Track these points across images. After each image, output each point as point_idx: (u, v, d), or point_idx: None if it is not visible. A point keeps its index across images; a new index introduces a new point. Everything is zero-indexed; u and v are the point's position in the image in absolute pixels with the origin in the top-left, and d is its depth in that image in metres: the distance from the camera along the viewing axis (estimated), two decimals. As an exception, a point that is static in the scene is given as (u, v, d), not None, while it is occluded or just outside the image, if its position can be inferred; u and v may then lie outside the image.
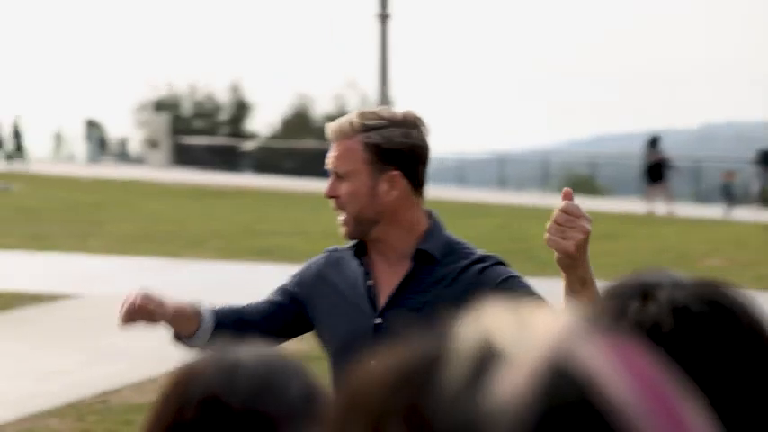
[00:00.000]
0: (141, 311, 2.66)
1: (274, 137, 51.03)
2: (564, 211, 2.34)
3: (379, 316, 2.70)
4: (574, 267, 2.35)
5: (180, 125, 50.16)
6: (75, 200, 24.51)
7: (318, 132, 46.79)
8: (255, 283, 8.04)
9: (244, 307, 2.87)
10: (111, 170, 37.36)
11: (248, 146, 49.31)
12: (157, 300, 2.67)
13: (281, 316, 2.83)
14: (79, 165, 43.06)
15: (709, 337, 1.18)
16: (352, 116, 2.72)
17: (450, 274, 2.68)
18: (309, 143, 45.01)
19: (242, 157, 48.48)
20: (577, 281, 2.37)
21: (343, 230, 2.74)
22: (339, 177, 2.71)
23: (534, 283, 11.02)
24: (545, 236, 2.35)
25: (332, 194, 2.72)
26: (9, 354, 9.16)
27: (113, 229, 18.42)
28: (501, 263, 2.72)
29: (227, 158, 46.81)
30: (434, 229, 2.75)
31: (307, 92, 48.51)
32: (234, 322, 2.81)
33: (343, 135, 2.69)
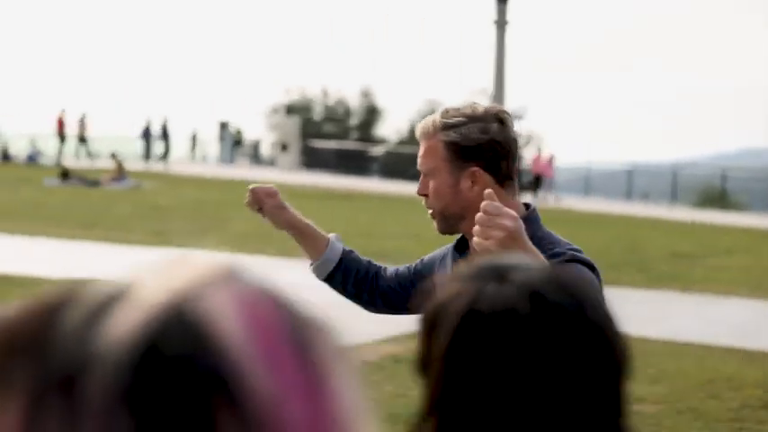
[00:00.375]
0: (262, 199, 3.10)
1: (402, 142, 51.32)
2: (484, 211, 2.31)
3: None
4: None
5: (311, 129, 50.87)
6: (203, 199, 25.08)
7: (448, 139, 46.77)
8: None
9: (374, 264, 3.13)
10: (242, 171, 38.05)
11: (376, 151, 49.68)
12: (281, 203, 3.11)
13: (401, 287, 3.04)
14: (212, 165, 44.00)
15: (557, 324, 1.24)
16: (436, 115, 2.81)
17: None
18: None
19: (370, 162, 48.89)
20: None
21: (435, 227, 2.84)
22: (426, 176, 2.80)
23: (646, 294, 11.04)
24: (473, 239, 2.34)
25: (422, 192, 2.82)
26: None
27: (234, 228, 18.80)
28: (575, 260, 2.63)
29: (355, 163, 47.28)
30: (529, 221, 2.68)
31: (436, 98, 48.67)
32: (357, 272, 3.08)
33: (427, 134, 2.77)
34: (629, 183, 39.33)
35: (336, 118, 54.06)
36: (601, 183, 43.36)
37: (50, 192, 25.65)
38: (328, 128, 53.09)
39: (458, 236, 2.90)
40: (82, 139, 38.39)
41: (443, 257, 2.98)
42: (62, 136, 37.06)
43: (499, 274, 1.27)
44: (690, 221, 28.00)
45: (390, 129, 56.78)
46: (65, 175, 28.54)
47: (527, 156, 35.68)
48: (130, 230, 18.08)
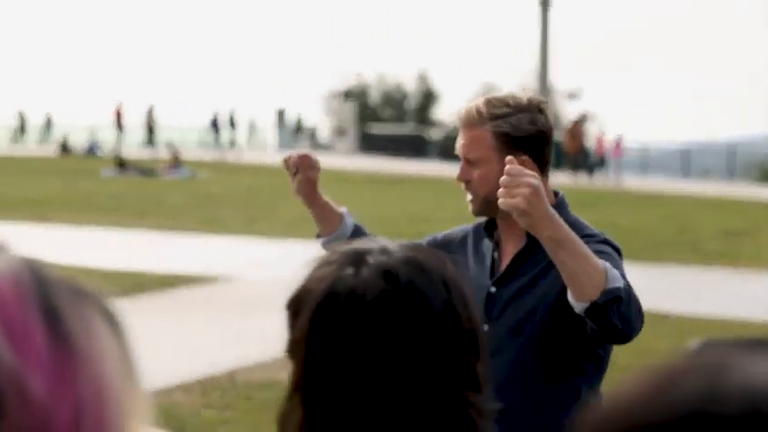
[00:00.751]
0: (303, 164, 3.09)
1: (461, 125, 51.25)
2: (507, 173, 2.44)
3: (493, 285, 2.84)
4: (537, 228, 2.44)
5: (368, 113, 50.95)
6: (256, 186, 25.30)
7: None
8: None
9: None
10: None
11: (434, 134, 49.64)
12: (315, 177, 3.10)
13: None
14: (270, 152, 44.28)
15: (409, 303, 1.30)
16: (479, 104, 2.81)
17: None
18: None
19: (427, 146, 48.88)
20: (550, 242, 2.45)
21: (471, 208, 2.86)
22: (470, 163, 2.82)
23: (696, 272, 11.01)
24: (498, 201, 2.46)
25: (463, 178, 2.84)
26: (156, 330, 9.63)
27: (284, 214, 18.98)
28: (605, 242, 2.75)
29: (412, 147, 47.29)
30: (557, 207, 2.76)
31: (492, 81, 48.47)
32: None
33: (473, 123, 2.79)
34: (687, 161, 38.98)
35: (393, 102, 54.12)
36: (658, 162, 42.99)
37: (107, 182, 26.04)
38: (385, 112, 53.21)
39: (485, 219, 2.95)
40: (150, 130, 38.82)
41: (464, 238, 3.00)
42: (120, 127, 37.55)
43: (358, 257, 1.32)
44: (744, 199, 27.72)
45: (447, 112, 56.54)
46: (121, 165, 28.94)
47: (591, 136, 34.88)
48: (181, 219, 18.33)
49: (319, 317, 1.29)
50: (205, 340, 9.15)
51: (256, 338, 9.31)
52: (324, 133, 49.77)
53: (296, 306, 1.33)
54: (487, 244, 2.92)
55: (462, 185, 2.87)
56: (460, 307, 1.32)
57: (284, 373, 6.67)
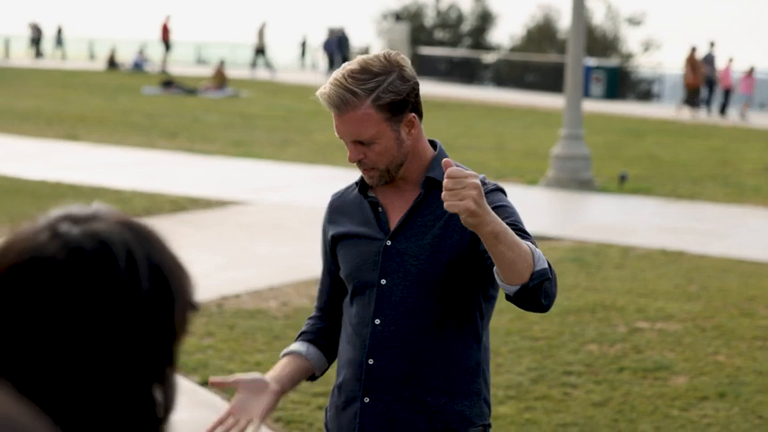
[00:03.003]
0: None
1: (516, 49, 50.65)
2: (450, 176, 2.46)
3: (389, 239, 2.84)
4: (481, 225, 2.48)
5: (422, 35, 50.49)
6: (295, 108, 25.24)
7: (562, 46, 46.19)
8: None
9: (319, 314, 3.06)
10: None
11: (489, 58, 49.15)
12: (258, 408, 2.83)
13: (342, 294, 3.02)
14: (320, 73, 44.15)
15: (83, 269, 1.25)
16: (346, 83, 2.73)
17: None
18: (552, 57, 44.56)
19: (482, 70, 48.43)
20: (490, 236, 2.50)
21: (372, 181, 2.83)
22: (364, 144, 2.78)
23: (724, 208, 10.93)
24: (445, 205, 2.49)
25: (356, 159, 2.80)
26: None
27: (317, 138, 18.95)
28: (496, 189, 2.84)
29: (466, 71, 46.88)
30: (440, 156, 2.85)
31: (551, 3, 47.59)
32: (326, 331, 3.04)
33: (351, 105, 2.73)
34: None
35: (448, 24, 53.51)
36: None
37: (147, 100, 26.09)
38: (440, 34, 52.66)
39: (342, 192, 2.96)
40: (260, 51, 38.55)
41: (339, 210, 2.97)
42: (167, 43, 37.49)
43: (51, 225, 1.29)
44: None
45: (504, 35, 55.94)
46: (165, 83, 28.97)
47: (719, 67, 32.62)
48: (212, 141, 18.34)
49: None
50: (203, 265, 9.16)
51: (255, 264, 9.31)
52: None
53: None
54: (363, 203, 2.92)
55: (357, 164, 2.82)
56: (145, 283, 1.26)
57: (273, 303, 6.74)
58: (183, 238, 10.30)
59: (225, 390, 6.16)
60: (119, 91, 27.84)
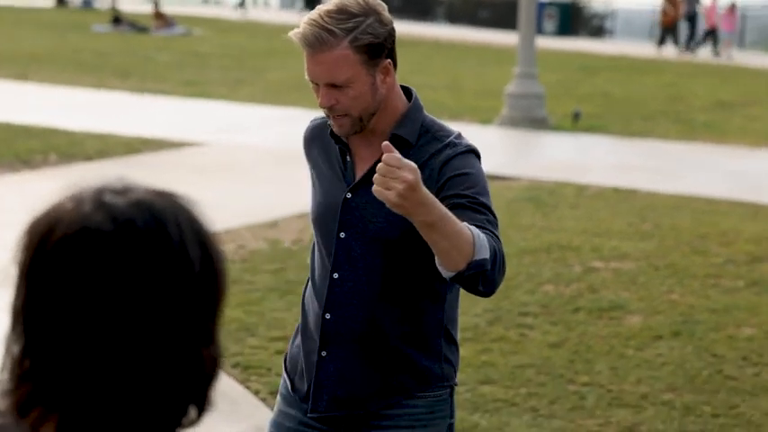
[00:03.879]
0: None
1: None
2: (386, 162, 2.41)
3: (349, 191, 2.78)
4: (409, 215, 2.45)
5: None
6: (248, 46, 25.01)
7: (514, -18, 46.10)
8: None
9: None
10: (299, 16, 37.76)
11: (441, -6, 48.85)
12: None
13: None
14: (273, 11, 43.75)
15: (132, 241, 1.25)
16: (323, 23, 2.63)
17: (423, 158, 2.71)
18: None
19: (435, 6, 48.17)
20: (422, 225, 2.47)
21: (342, 130, 2.73)
22: (335, 86, 2.67)
23: (675, 145, 11.01)
24: (373, 188, 2.45)
25: (331, 104, 2.68)
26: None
27: (270, 78, 18.80)
28: (467, 151, 2.73)
29: (419, 7, 46.59)
30: (413, 110, 2.77)
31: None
32: None
33: (328, 45, 2.62)
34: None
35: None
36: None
37: (97, 38, 25.73)
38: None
39: (321, 123, 2.86)
40: None
41: (311, 139, 2.90)
42: (116, -20, 36.83)
43: (96, 197, 1.28)
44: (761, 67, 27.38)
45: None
46: (116, 20, 28.58)
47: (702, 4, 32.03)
48: (165, 80, 18.14)
49: (45, 250, 1.26)
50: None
51: (211, 208, 9.22)
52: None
53: (29, 237, 1.29)
54: (335, 148, 2.83)
55: (326, 110, 2.71)
56: (195, 251, 1.27)
57: (229, 246, 6.65)
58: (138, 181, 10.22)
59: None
60: (68, 29, 27.42)
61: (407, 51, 26.57)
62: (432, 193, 2.52)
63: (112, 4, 33.82)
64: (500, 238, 2.61)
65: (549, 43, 30.18)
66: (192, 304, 1.27)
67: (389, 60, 2.71)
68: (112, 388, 1.24)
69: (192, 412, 1.29)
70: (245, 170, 10.92)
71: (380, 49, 2.68)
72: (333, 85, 2.66)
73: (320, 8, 2.68)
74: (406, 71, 19.21)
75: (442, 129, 2.79)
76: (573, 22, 40.11)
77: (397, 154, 2.43)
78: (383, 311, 2.77)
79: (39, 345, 1.26)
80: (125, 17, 29.43)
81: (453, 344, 2.86)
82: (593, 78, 22.26)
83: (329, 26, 2.62)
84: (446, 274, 2.53)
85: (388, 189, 2.40)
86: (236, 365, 5.70)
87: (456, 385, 2.91)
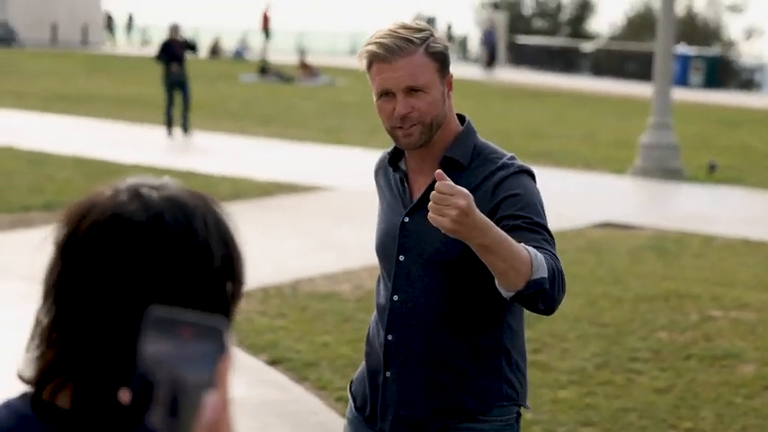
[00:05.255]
0: None
1: (615, 38, 50.12)
2: (438, 190, 2.48)
3: (407, 215, 2.87)
4: (465, 239, 2.51)
5: (520, 24, 50.27)
6: (389, 96, 25.35)
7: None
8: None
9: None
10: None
11: (587, 47, 48.69)
12: None
13: None
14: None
15: (162, 232, 1.36)
16: (401, 33, 2.76)
17: (476, 180, 2.79)
18: (651, 46, 43.93)
19: (580, 59, 48.02)
20: (479, 247, 2.52)
21: (410, 140, 2.80)
22: (411, 92, 2.76)
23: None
24: (428, 215, 2.52)
25: (408, 111, 2.76)
26: (244, 237, 9.88)
27: (407, 126, 19.02)
28: (520, 171, 2.79)
29: (564, 60, 46.51)
30: (466, 133, 2.86)
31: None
32: None
33: (407, 52, 2.74)
34: None
35: (547, 13, 53.24)
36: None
37: (244, 87, 26.46)
38: (538, 23, 52.41)
39: (385, 155, 2.96)
40: None
41: (384, 169, 2.99)
42: (266, 31, 37.92)
43: (132, 190, 1.39)
44: None
45: (603, 24, 55.38)
46: (263, 70, 29.33)
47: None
48: (305, 127, 18.55)
49: (79, 231, 1.37)
50: (282, 249, 9.35)
51: (333, 249, 9.47)
52: (473, 44, 49.36)
53: (67, 217, 1.42)
54: (394, 175, 2.93)
55: (395, 121, 2.77)
56: (218, 249, 1.37)
57: (347, 286, 6.86)
58: (265, 222, 10.52)
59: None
60: (218, 78, 28.26)
61: (548, 103, 26.66)
62: (486, 214, 2.57)
63: (261, 56, 34.75)
64: (558, 256, 2.65)
65: (694, 96, 29.81)
66: (208, 296, 1.35)
67: (452, 74, 2.82)
68: (127, 364, 1.33)
69: None
70: (372, 214, 11.10)
71: (447, 60, 2.80)
72: (410, 91, 2.74)
73: (387, 26, 2.80)
74: (544, 122, 19.53)
75: (495, 152, 2.84)
76: (721, 75, 39.51)
77: (449, 181, 2.48)
78: (442, 332, 2.82)
79: (66, 318, 1.36)
80: (272, 68, 30.17)
81: (517, 366, 2.89)
82: (735, 131, 21.90)
83: (406, 36, 2.74)
84: (505, 294, 2.58)
85: (442, 216, 2.46)
86: (339, 399, 5.84)
87: (527, 407, 2.93)
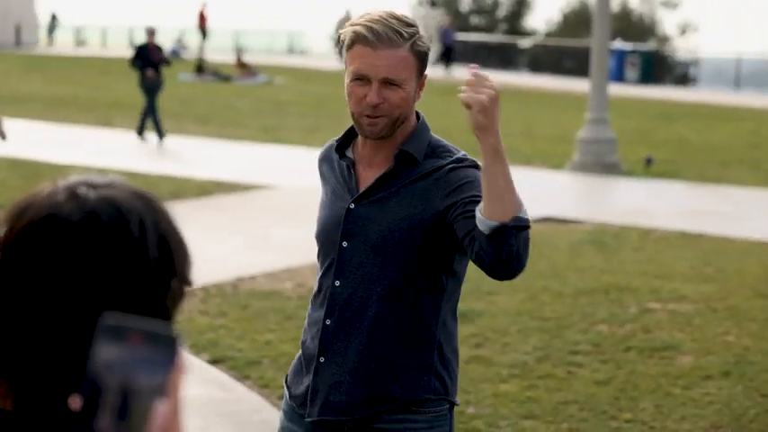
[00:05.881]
0: None
1: (552, 35, 50.49)
2: (474, 75, 2.51)
3: (353, 202, 2.87)
4: (488, 129, 2.50)
5: (457, 21, 50.44)
6: (326, 94, 25.34)
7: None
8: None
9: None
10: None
11: (525, 44, 49.02)
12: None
13: None
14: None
15: (95, 230, 1.34)
16: (391, 23, 2.76)
17: (428, 170, 2.82)
18: (588, 42, 44.31)
19: (518, 56, 48.31)
20: (491, 151, 2.51)
21: (374, 130, 2.80)
22: (387, 84, 2.76)
23: (749, 191, 11.00)
24: (460, 95, 2.51)
25: (379, 101, 2.77)
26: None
27: (347, 123, 19.02)
28: (474, 166, 2.80)
29: (502, 56, 46.75)
30: (420, 129, 2.87)
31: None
32: None
33: (394, 44, 2.74)
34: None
35: (484, 10, 53.51)
36: (752, 76, 41.89)
37: (182, 87, 26.29)
38: (475, 20, 52.64)
39: (340, 137, 2.95)
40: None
41: (329, 160, 3.00)
42: (203, 30, 37.72)
43: (69, 188, 1.37)
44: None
45: (540, 20, 55.79)
46: (200, 69, 29.18)
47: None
48: (243, 126, 18.48)
49: (14, 231, 1.35)
50: (222, 248, 9.30)
51: (273, 247, 9.44)
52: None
53: (5, 217, 1.40)
54: (340, 162, 2.93)
55: (364, 108, 2.77)
56: (154, 249, 1.35)
57: (289, 284, 6.81)
58: (205, 222, 10.46)
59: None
60: (154, 78, 28.05)
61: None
62: (443, 198, 2.63)
63: (199, 54, 34.55)
64: None
65: (631, 91, 30.11)
66: (144, 297, 1.34)
67: (426, 74, 2.83)
68: (65, 366, 1.32)
69: None
70: (312, 212, 11.07)
71: (426, 61, 2.81)
72: (386, 83, 2.75)
73: (379, 11, 2.79)
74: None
75: (447, 148, 2.86)
76: (656, 70, 39.95)
77: (482, 72, 2.54)
78: (378, 320, 2.83)
79: (2, 320, 1.35)
80: (209, 66, 30.01)
81: (448, 362, 2.90)
82: (671, 125, 22.15)
83: (397, 28, 2.74)
84: (488, 224, 2.53)
85: (478, 94, 2.49)
86: (281, 397, 5.81)
87: (456, 404, 2.94)
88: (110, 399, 1.11)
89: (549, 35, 50.84)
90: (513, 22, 53.13)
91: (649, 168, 15.22)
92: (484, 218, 2.54)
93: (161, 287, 1.35)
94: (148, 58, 16.61)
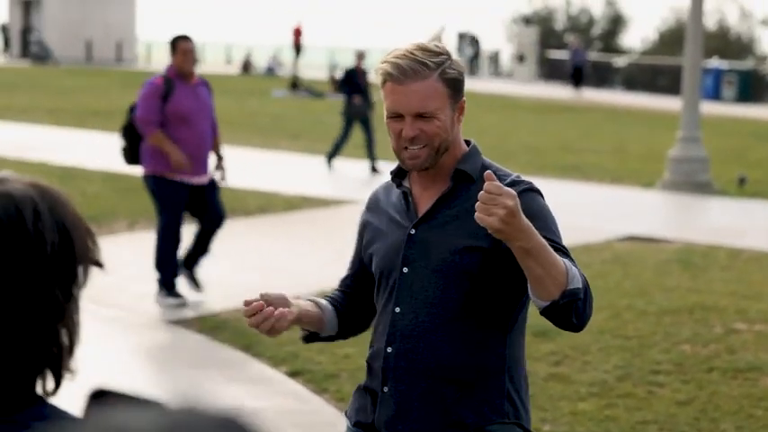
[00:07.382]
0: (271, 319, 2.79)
1: (648, 53, 49.96)
2: (487, 190, 2.51)
3: (413, 227, 2.88)
4: (509, 239, 2.53)
5: (552, 39, 50.23)
6: (419, 111, 25.38)
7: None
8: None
9: (342, 291, 3.10)
10: (480, 83, 38.06)
11: (619, 62, 48.57)
12: (287, 310, 2.77)
13: (366, 280, 3.04)
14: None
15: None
16: (416, 55, 2.79)
17: None
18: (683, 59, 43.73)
19: (612, 74, 47.87)
20: (520, 251, 2.54)
21: (416, 162, 2.82)
22: (422, 117, 2.79)
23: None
24: (475, 215, 2.54)
25: (416, 134, 2.77)
26: (263, 251, 9.94)
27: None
28: (531, 190, 2.82)
29: (596, 74, 46.37)
30: (473, 152, 2.90)
31: (684, 6, 46.63)
32: (348, 307, 3.07)
33: (420, 76, 2.77)
34: None
35: (579, 28, 53.16)
36: None
37: (275, 103, 26.59)
38: (570, 38, 52.27)
39: (391, 172, 2.97)
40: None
41: (375, 208, 3.00)
42: (297, 47, 38.10)
43: None
44: None
45: (636, 38, 55.22)
46: (293, 86, 29.46)
47: None
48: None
49: None
50: (307, 262, 9.38)
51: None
52: (505, 59, 49.37)
53: None
54: (398, 194, 2.94)
55: (402, 142, 2.78)
56: (51, 235, 1.42)
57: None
58: (291, 236, 10.56)
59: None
60: (249, 94, 28.41)
61: (579, 117, 26.60)
62: None
63: (293, 71, 34.91)
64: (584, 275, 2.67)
65: (727, 110, 29.67)
66: (44, 283, 1.41)
67: (464, 99, 2.84)
68: None
69: (50, 382, 1.42)
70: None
71: (461, 86, 2.82)
72: (419, 116, 2.77)
73: (406, 46, 2.82)
74: (573, 136, 19.56)
75: (502, 170, 2.87)
76: (754, 89, 39.29)
77: (497, 182, 2.52)
78: (444, 344, 2.80)
79: None
80: (303, 83, 30.30)
81: (519, 386, 2.86)
82: (766, 145, 21.78)
83: (422, 59, 2.76)
84: (540, 304, 2.58)
85: (490, 215, 2.48)
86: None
87: (523, 428, 2.87)
88: None
89: (644, 53, 50.29)
90: (608, 41, 52.71)
91: (742, 188, 14.99)
92: (534, 297, 2.59)
93: (62, 270, 1.42)
94: (356, 83, 15.78)
